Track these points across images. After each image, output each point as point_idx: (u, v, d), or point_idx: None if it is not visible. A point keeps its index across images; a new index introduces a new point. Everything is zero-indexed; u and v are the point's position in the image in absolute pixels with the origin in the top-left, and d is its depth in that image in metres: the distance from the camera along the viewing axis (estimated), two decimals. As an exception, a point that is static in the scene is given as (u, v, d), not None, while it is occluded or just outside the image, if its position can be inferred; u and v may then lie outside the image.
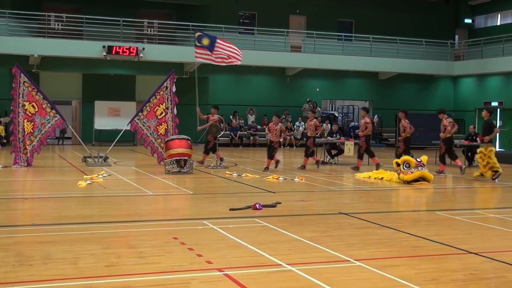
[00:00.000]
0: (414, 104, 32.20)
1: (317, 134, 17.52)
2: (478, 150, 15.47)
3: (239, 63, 17.63)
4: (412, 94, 33.25)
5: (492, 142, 15.52)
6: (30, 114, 16.14)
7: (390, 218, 9.24)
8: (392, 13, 33.17)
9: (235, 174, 15.09)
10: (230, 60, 17.30)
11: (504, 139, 30.11)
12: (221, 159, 17.27)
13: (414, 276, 5.83)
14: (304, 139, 22.96)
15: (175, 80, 17.48)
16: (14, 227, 8.05)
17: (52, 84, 27.69)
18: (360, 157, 17.27)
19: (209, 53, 17.24)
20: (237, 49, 17.36)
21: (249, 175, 14.98)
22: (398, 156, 16.94)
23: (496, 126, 16.86)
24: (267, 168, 16.27)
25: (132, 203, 10.55)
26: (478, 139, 19.70)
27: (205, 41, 17.21)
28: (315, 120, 17.17)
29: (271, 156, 16.33)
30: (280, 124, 16.45)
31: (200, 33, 17.42)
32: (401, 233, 7.97)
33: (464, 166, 16.52)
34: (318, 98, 31.51)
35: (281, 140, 16.96)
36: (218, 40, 17.24)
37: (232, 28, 29.40)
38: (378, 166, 16.48)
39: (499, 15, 33.90)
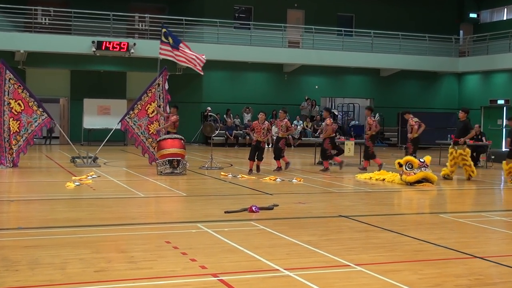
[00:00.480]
0: (417, 102, 32.25)
1: (288, 135, 17.44)
2: (455, 152, 15.33)
3: (200, 73, 17.48)
4: (415, 92, 33.29)
5: (466, 143, 15.57)
6: (16, 113, 16.11)
7: (392, 221, 9.26)
8: (394, 7, 33.20)
9: (230, 175, 15.09)
10: (192, 64, 17.12)
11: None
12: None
13: (417, 282, 5.84)
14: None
15: (167, 77, 17.46)
16: (-1, 231, 8.04)
17: (39, 81, 27.62)
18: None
19: (173, 51, 17.16)
20: (200, 57, 17.22)
21: (245, 176, 14.99)
22: (368, 156, 17.29)
23: (473, 127, 16.99)
24: (279, 168, 16.43)
25: (123, 206, 10.54)
26: (484, 139, 19.76)
27: (170, 40, 17.26)
28: (286, 120, 16.52)
29: (280, 157, 16.40)
30: (286, 119, 16.35)
31: (166, 30, 17.44)
32: (403, 237, 7.98)
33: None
34: (317, 95, 31.53)
35: (287, 136, 16.86)
36: (181, 44, 17.20)
37: (227, 23, 29.40)
38: (380, 167, 16.51)
39: (505, 9, 33.96)
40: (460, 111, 15.72)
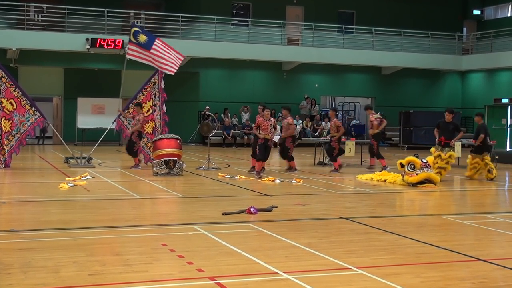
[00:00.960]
0: (420, 101, 32.29)
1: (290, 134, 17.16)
2: (443, 154, 15.23)
3: (172, 73, 17.11)
4: (418, 90, 33.31)
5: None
6: (8, 112, 16.09)
7: (394, 223, 9.27)
8: (396, 4, 33.21)
9: (228, 176, 15.08)
10: (165, 67, 16.92)
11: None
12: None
13: (419, 285, 5.85)
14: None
15: (163, 76, 17.45)
16: (-10, 233, 8.04)
17: (31, 80, 27.62)
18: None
19: (143, 51, 16.95)
20: (178, 56, 17.08)
21: (243, 177, 14.99)
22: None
23: (461, 129, 17.00)
24: (293, 168, 16.39)
25: (118, 207, 10.54)
26: (488, 138, 19.71)
27: (142, 38, 16.94)
28: (289, 118, 16.26)
29: (290, 158, 16.31)
30: (289, 117, 16.19)
31: (137, 29, 17.23)
32: (405, 239, 7.99)
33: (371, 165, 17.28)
34: (317, 94, 31.54)
35: (296, 134, 16.93)
36: (157, 41, 16.92)
37: (225, 20, 29.40)
38: (383, 169, 16.55)
39: (509, 5, 33.98)
40: (447, 113, 15.41)
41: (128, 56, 17.20)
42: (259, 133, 15.42)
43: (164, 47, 16.93)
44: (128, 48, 17.16)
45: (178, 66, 17.12)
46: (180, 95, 28.11)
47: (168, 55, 16.89)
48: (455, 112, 15.97)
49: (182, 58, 17.25)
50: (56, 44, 26.13)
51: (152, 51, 16.80)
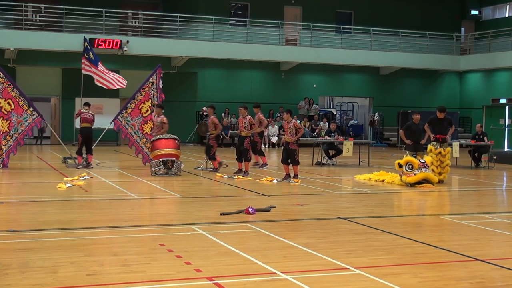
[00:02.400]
0: (418, 101, 32.29)
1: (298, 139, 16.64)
2: (443, 150, 15.09)
3: (114, 88, 18.41)
4: (415, 91, 33.33)
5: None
6: (5, 112, 16.08)
7: (392, 223, 9.27)
8: (394, 4, 33.23)
9: (226, 176, 15.09)
10: (109, 85, 18.22)
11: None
12: (220, 164, 16.49)
13: (418, 285, 5.85)
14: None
15: (161, 75, 17.46)
16: (-12, 234, 8.03)
17: (29, 80, 27.58)
18: (257, 153, 17.51)
19: (92, 67, 18.18)
20: (120, 80, 18.27)
21: (241, 177, 14.98)
22: (210, 157, 16.38)
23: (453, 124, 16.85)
24: (296, 176, 14.56)
25: (116, 208, 10.54)
26: (485, 138, 19.78)
27: (90, 55, 18.16)
28: (294, 121, 15.64)
29: (297, 162, 14.47)
30: (293, 120, 14.56)
31: (88, 45, 18.25)
32: (403, 239, 7.99)
33: (223, 162, 16.57)
34: (315, 94, 31.53)
35: (299, 139, 14.69)
36: (100, 64, 18.06)
37: (223, 20, 29.39)
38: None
39: (507, 6, 34.02)
40: (439, 111, 15.24)
41: (83, 71, 18.26)
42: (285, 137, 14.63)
43: (106, 70, 18.41)
44: (83, 63, 18.08)
45: (122, 84, 18.24)
46: (178, 95, 28.10)
47: (111, 75, 18.28)
48: (446, 110, 15.63)
49: (124, 84, 18.32)
50: (54, 44, 26.10)
51: (99, 67, 18.14)
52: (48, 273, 5.99)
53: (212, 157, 16.31)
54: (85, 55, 18.08)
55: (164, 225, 8.86)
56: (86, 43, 18.34)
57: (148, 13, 30.02)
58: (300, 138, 14.95)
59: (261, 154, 17.79)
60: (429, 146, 15.09)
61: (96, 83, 18.64)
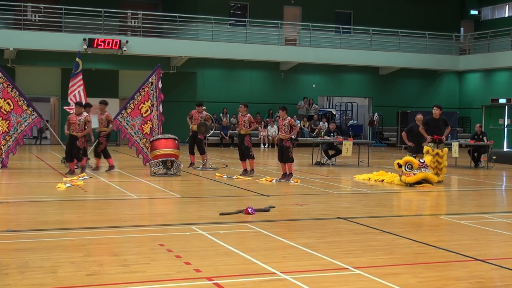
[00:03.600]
0: (417, 101, 32.29)
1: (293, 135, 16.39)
2: (441, 151, 15.02)
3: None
4: (415, 91, 33.33)
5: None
6: (5, 112, 16.08)
7: (391, 223, 9.27)
8: (393, 4, 33.24)
9: (225, 176, 15.08)
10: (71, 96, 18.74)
11: (512, 139, 30.27)
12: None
13: (417, 285, 5.85)
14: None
15: (161, 76, 17.45)
16: (-12, 234, 8.03)
17: (28, 80, 27.57)
18: (104, 155, 16.89)
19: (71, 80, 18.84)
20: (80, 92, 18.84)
21: (240, 177, 14.98)
22: (97, 154, 16.33)
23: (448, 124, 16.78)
24: (290, 174, 14.48)
25: (115, 208, 10.54)
26: (485, 138, 19.78)
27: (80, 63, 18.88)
28: (289, 118, 14.78)
29: (291, 159, 14.32)
30: (288, 118, 14.54)
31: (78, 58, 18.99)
32: (403, 239, 7.99)
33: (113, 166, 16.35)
34: (315, 94, 31.53)
35: (293, 137, 14.60)
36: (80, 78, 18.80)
37: (222, 20, 29.39)
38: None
39: (507, 6, 34.03)
40: (436, 109, 15.14)
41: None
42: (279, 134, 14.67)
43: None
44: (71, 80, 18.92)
45: (81, 98, 18.77)
46: (177, 95, 28.09)
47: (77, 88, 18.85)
48: (442, 108, 15.53)
49: (73, 101, 18.46)
50: (53, 44, 26.10)
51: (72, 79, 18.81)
52: (48, 273, 5.99)
53: (97, 155, 16.28)
54: (75, 71, 18.91)
55: (164, 225, 8.85)
56: (77, 58, 19.01)
57: (148, 13, 30.02)
58: (300, 138, 14.99)
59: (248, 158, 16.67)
60: (426, 147, 15.02)
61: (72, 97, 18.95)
